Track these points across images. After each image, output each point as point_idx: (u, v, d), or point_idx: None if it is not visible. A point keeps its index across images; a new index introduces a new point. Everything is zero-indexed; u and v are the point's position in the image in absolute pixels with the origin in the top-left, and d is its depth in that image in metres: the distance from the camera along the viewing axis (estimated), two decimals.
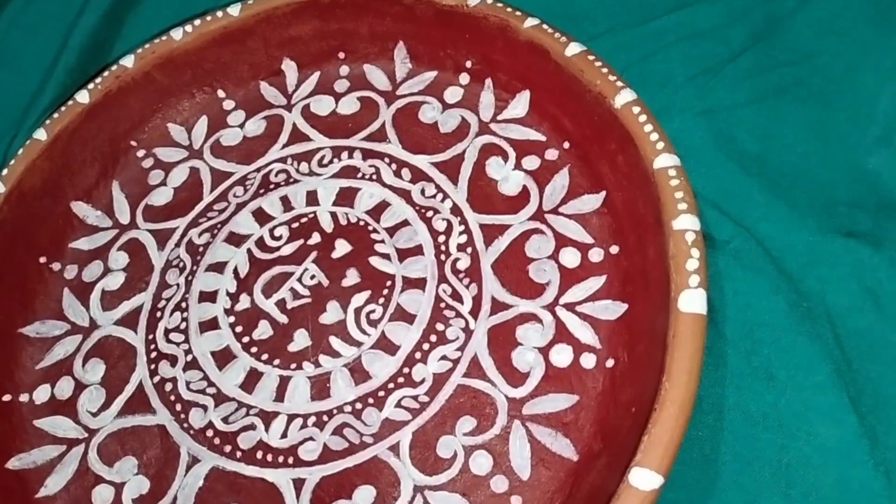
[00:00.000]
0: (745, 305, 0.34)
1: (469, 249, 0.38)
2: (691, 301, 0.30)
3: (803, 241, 0.35)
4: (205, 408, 0.37)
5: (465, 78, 0.43)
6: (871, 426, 0.30)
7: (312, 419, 0.35)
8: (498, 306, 0.36)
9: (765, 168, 0.37)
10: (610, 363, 0.34)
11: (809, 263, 0.34)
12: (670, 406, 0.29)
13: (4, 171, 0.42)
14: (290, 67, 0.46)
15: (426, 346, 0.36)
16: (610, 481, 0.29)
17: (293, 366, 0.37)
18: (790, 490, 0.30)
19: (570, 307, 0.36)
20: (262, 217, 0.42)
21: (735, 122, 0.39)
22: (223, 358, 0.38)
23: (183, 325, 0.39)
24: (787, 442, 0.31)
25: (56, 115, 0.43)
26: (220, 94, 0.46)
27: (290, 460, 0.35)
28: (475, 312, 0.36)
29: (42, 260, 0.42)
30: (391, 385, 0.35)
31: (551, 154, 0.40)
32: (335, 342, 0.37)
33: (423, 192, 0.40)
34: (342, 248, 0.40)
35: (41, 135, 0.42)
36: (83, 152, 0.44)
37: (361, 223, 0.40)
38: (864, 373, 0.31)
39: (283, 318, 0.38)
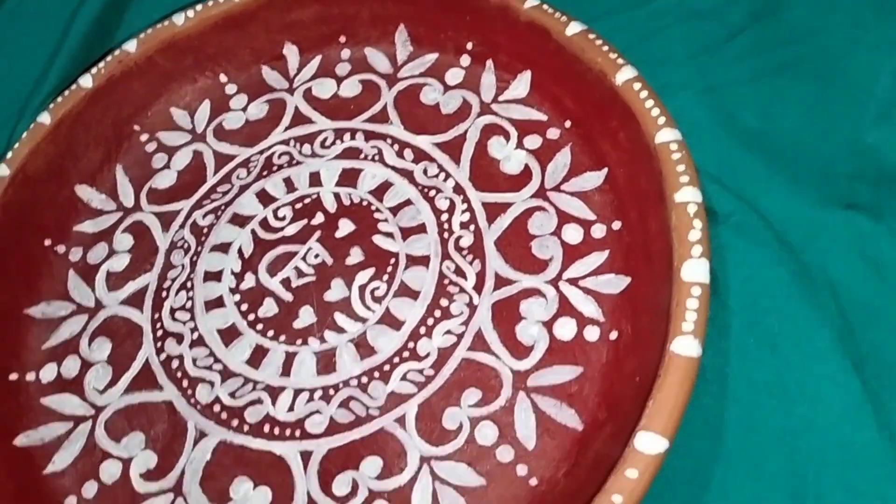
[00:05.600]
0: (748, 277, 0.34)
1: (472, 227, 0.38)
2: (694, 270, 0.31)
3: (804, 213, 0.35)
4: (211, 383, 0.37)
5: (465, 59, 0.43)
6: (874, 391, 0.30)
7: (319, 393, 0.36)
8: (501, 282, 0.37)
9: (765, 143, 0.38)
10: (613, 335, 0.34)
11: (811, 235, 0.34)
12: (674, 371, 0.29)
13: (9, 155, 0.42)
14: (291, 51, 0.46)
15: (430, 322, 0.36)
16: (615, 449, 0.29)
17: (299, 342, 0.37)
18: (794, 455, 0.30)
19: (573, 282, 0.36)
20: (265, 198, 0.42)
21: (736, 99, 0.39)
22: (229, 335, 0.38)
23: (188, 304, 0.39)
24: (791, 408, 0.31)
25: (60, 100, 0.43)
26: (223, 78, 0.46)
27: (298, 433, 0.35)
28: (479, 288, 0.37)
29: (47, 242, 0.42)
30: (396, 359, 0.36)
31: (553, 133, 0.40)
32: (340, 318, 0.37)
33: (425, 171, 0.41)
34: (346, 227, 0.40)
35: (45, 118, 0.42)
36: (87, 136, 0.44)
37: (364, 203, 0.40)
38: (866, 340, 0.32)
39: (287, 296, 0.38)
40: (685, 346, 0.30)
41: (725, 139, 0.38)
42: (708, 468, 0.32)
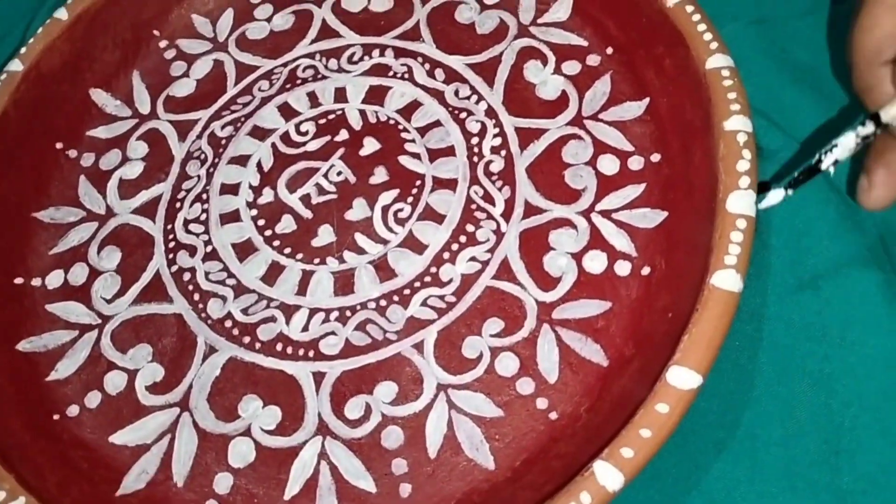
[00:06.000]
0: (792, 214, 0.32)
1: (503, 152, 0.37)
2: (740, 202, 0.29)
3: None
4: (224, 298, 0.35)
5: None
6: None
7: (335, 314, 0.34)
8: (531, 210, 0.35)
9: (817, 80, 0.36)
10: (646, 271, 0.33)
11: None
12: (713, 306, 0.28)
13: (23, 50, 0.40)
14: None
15: (455, 247, 0.35)
16: (642, 385, 0.28)
17: (316, 260, 0.36)
18: (830, 400, 0.29)
19: (605, 214, 0.35)
20: (287, 112, 0.40)
21: (789, 33, 0.37)
22: (244, 250, 0.37)
23: (203, 217, 0.38)
24: (831, 352, 0.30)
25: None
26: None
27: (311, 353, 0.34)
28: (507, 215, 0.35)
29: (59, 146, 0.41)
30: (417, 284, 0.34)
31: (593, 60, 0.38)
32: (361, 239, 0.36)
33: (456, 93, 0.39)
34: (370, 146, 0.38)
35: (62, 14, 0.41)
36: (104, 37, 0.42)
37: (391, 122, 0.39)
38: None
39: (307, 213, 0.37)
40: (726, 279, 0.28)
41: (775, 73, 0.36)
42: (737, 412, 0.30)
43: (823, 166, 0.28)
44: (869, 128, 0.27)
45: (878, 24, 0.27)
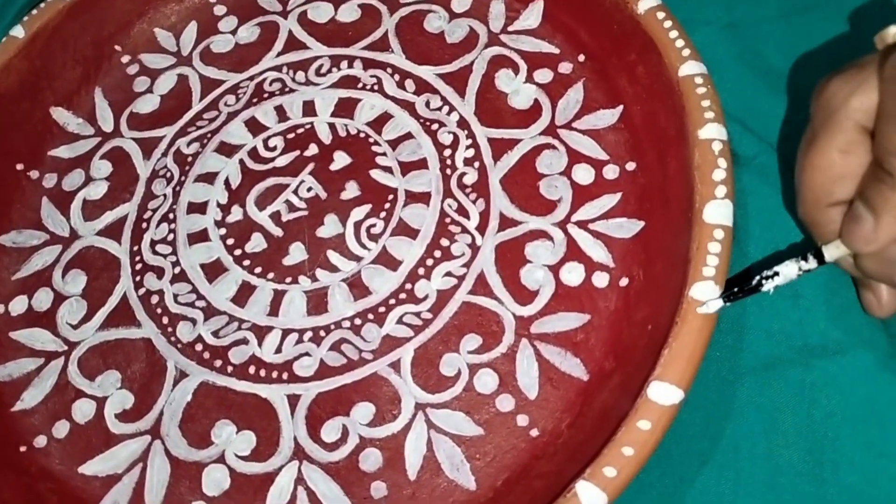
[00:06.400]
0: (770, 223, 0.32)
1: (476, 164, 0.36)
2: (717, 212, 0.29)
3: None
4: (194, 321, 0.35)
5: None
6: None
7: (309, 334, 0.33)
8: (506, 222, 0.35)
9: (791, 85, 0.35)
10: (624, 282, 0.32)
11: None
12: (692, 319, 0.27)
13: None
14: None
15: (430, 262, 0.34)
16: (624, 400, 0.28)
17: (288, 280, 0.35)
18: (813, 410, 0.29)
19: (582, 225, 0.34)
20: (255, 127, 0.39)
21: (762, 37, 0.37)
22: (213, 270, 0.36)
23: (170, 237, 0.37)
24: (812, 361, 0.30)
25: (35, 12, 0.40)
26: None
27: (285, 376, 0.33)
28: (482, 228, 0.35)
29: (19, 167, 0.40)
30: (392, 301, 0.34)
31: (565, 67, 0.38)
32: (333, 256, 0.35)
33: (427, 104, 0.38)
34: (341, 160, 0.37)
35: (18, 32, 0.40)
36: (64, 54, 0.41)
37: (362, 135, 0.38)
38: None
39: (277, 231, 0.36)
40: (705, 292, 0.28)
41: (749, 78, 0.36)
42: (720, 423, 0.30)
43: (763, 289, 0.28)
44: (812, 263, 0.28)
45: (830, 166, 0.27)
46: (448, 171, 0.36)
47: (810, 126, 0.28)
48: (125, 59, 0.42)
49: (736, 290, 0.28)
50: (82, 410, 0.34)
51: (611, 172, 0.35)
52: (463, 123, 0.37)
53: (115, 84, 0.42)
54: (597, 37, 0.37)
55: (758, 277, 0.28)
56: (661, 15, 0.33)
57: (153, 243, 0.37)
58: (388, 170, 0.37)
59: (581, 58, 0.38)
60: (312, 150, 0.38)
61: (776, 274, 0.28)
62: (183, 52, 0.42)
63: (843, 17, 0.37)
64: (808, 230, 0.29)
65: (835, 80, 0.27)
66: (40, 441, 0.33)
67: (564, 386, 0.31)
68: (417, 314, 0.33)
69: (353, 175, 0.37)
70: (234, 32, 0.43)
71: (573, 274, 0.33)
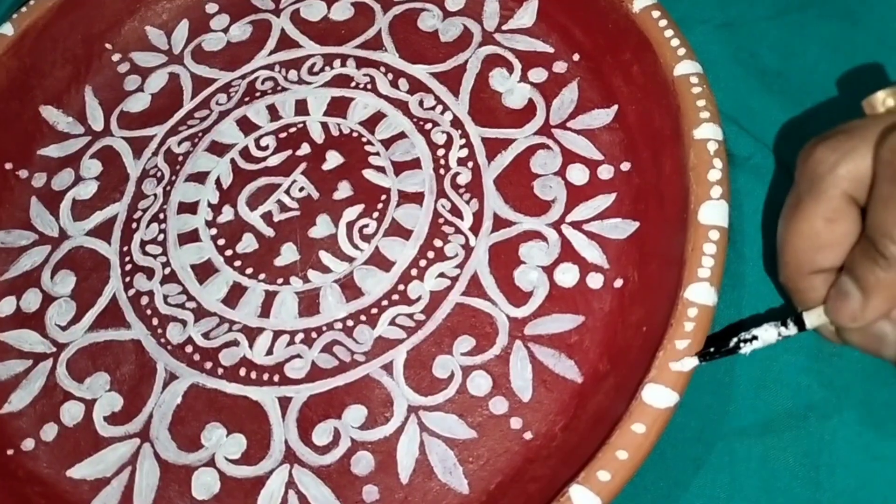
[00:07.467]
0: (766, 223, 0.32)
1: (470, 164, 0.36)
2: (712, 213, 0.29)
3: None
4: (184, 323, 0.34)
5: None
6: None
7: (300, 336, 0.33)
8: (500, 223, 0.34)
9: (786, 85, 0.35)
10: (618, 283, 0.32)
11: None
12: (688, 322, 0.27)
13: None
14: None
15: (423, 263, 0.34)
16: (618, 403, 0.28)
17: (280, 280, 0.34)
18: (809, 412, 0.29)
19: (576, 225, 0.34)
20: (247, 126, 0.39)
21: (757, 37, 0.37)
22: (204, 271, 0.35)
23: (160, 237, 0.36)
24: (809, 363, 0.29)
25: (24, 10, 0.40)
26: None
27: (276, 378, 0.32)
28: (476, 229, 0.34)
29: (8, 166, 0.39)
30: (385, 302, 0.33)
31: (559, 67, 0.37)
32: (325, 257, 0.35)
33: (421, 103, 0.38)
34: (334, 159, 0.37)
35: (7, 29, 0.39)
36: (53, 52, 0.41)
37: (355, 134, 0.38)
38: None
39: (269, 232, 0.36)
40: (700, 293, 0.27)
41: (744, 78, 0.36)
42: (715, 426, 0.30)
43: (741, 352, 0.28)
44: (792, 330, 0.28)
45: (815, 234, 0.26)
46: (441, 171, 0.36)
47: (795, 191, 0.27)
48: (116, 57, 0.42)
49: (713, 349, 0.27)
50: (71, 413, 0.33)
51: (605, 172, 0.35)
52: (457, 123, 0.37)
53: (105, 82, 0.41)
54: (591, 36, 0.37)
55: (736, 339, 0.28)
56: (656, 14, 0.33)
57: (143, 243, 0.36)
58: (381, 170, 0.36)
59: (576, 57, 0.37)
60: (305, 149, 0.38)
61: (755, 338, 0.28)
62: (174, 51, 0.42)
63: (838, 15, 0.37)
64: (789, 295, 0.28)
65: (821, 147, 0.26)
66: (28, 444, 0.33)
67: (558, 388, 0.31)
68: (410, 315, 0.33)
69: (345, 175, 0.36)
70: (225, 31, 0.42)
71: (567, 275, 0.33)
